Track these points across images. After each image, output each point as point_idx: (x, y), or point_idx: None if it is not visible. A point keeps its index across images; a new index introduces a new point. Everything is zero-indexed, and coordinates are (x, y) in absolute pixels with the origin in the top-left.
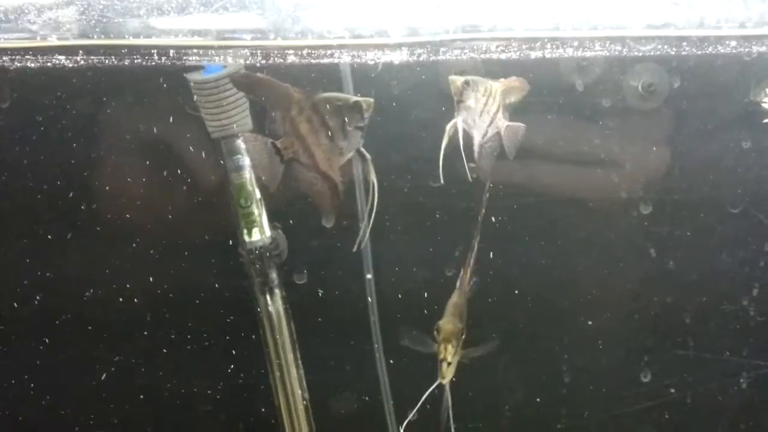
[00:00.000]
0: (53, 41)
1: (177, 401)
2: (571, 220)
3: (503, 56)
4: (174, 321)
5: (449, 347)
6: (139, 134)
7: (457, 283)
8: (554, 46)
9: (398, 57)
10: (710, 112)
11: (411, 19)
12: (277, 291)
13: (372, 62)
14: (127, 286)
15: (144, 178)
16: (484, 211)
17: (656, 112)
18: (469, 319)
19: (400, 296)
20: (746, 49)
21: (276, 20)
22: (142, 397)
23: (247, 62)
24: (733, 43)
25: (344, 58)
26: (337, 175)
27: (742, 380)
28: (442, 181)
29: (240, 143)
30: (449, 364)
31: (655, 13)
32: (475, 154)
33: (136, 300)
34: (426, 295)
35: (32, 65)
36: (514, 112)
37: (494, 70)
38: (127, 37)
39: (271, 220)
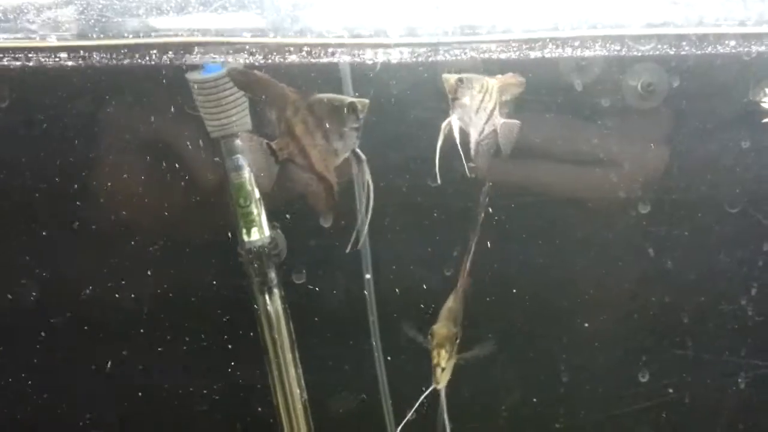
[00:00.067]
0: (52, 41)
1: (175, 401)
2: (569, 220)
3: (503, 56)
4: (172, 320)
5: (443, 352)
6: (138, 134)
7: (458, 286)
8: (555, 45)
9: (397, 56)
10: (709, 111)
11: (410, 19)
12: (275, 290)
13: (370, 62)
14: (126, 285)
15: (143, 177)
16: (482, 214)
17: (655, 112)
18: (466, 320)
19: (398, 296)
20: (745, 49)
21: (275, 20)
22: (139, 396)
23: (247, 61)
24: (733, 43)
25: (343, 58)
26: (332, 176)
27: (740, 380)
28: (439, 182)
29: (239, 143)
30: (443, 369)
31: (654, 12)
32: (472, 152)
33: (134, 299)
34: (425, 295)
35: (31, 65)
36: (514, 111)
37: (493, 69)
38: (126, 36)
39: (270, 219)
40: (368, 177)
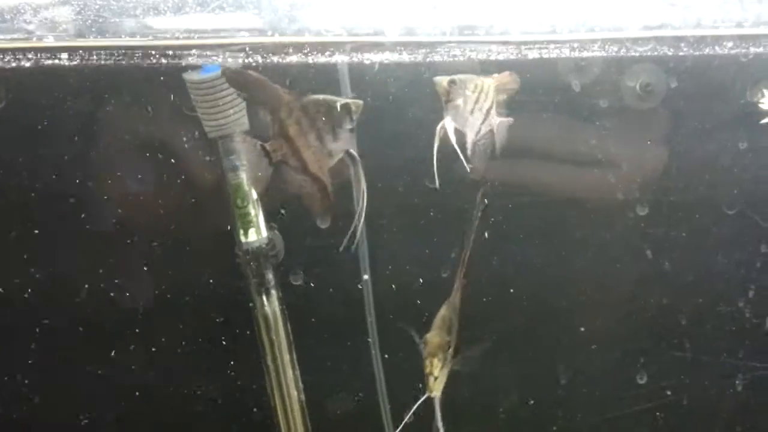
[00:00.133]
0: (49, 41)
1: (172, 402)
2: (567, 221)
3: (501, 57)
4: (170, 321)
5: (435, 361)
6: (136, 134)
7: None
8: (554, 47)
9: (395, 56)
10: (707, 112)
11: (408, 19)
12: (273, 292)
13: (368, 62)
14: (122, 286)
15: (140, 178)
16: (479, 217)
17: (653, 113)
18: (463, 321)
19: (396, 297)
20: (743, 50)
21: (272, 20)
22: (136, 397)
23: (245, 62)
24: (730, 44)
25: (341, 58)
26: (326, 177)
27: (738, 382)
28: (437, 185)
29: (236, 143)
30: (436, 378)
31: (652, 14)
32: (468, 152)
33: (131, 300)
34: (423, 296)
35: (28, 65)
36: (512, 112)
37: (492, 70)
38: (123, 37)
39: (267, 220)
40: (363, 178)
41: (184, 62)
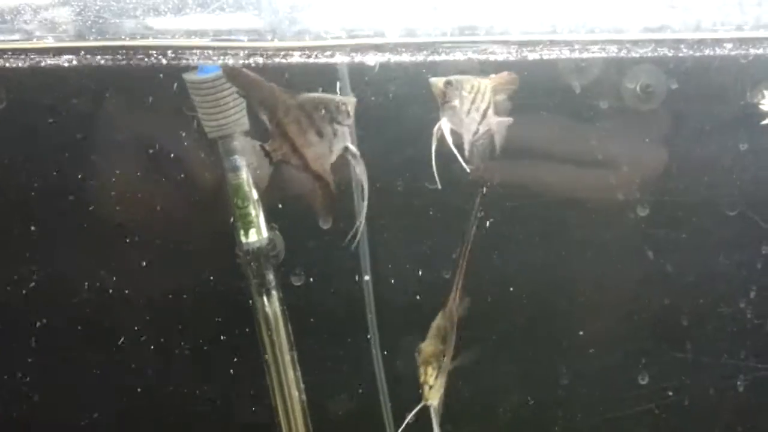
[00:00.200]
0: (49, 42)
1: (172, 402)
2: (568, 222)
3: (500, 57)
4: (170, 321)
5: (429, 369)
6: (136, 135)
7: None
8: (553, 48)
9: (396, 57)
10: (707, 114)
11: (408, 20)
12: (274, 292)
13: (370, 63)
14: (123, 286)
15: (140, 178)
16: (476, 219)
17: (653, 114)
18: (461, 329)
19: (397, 297)
20: (743, 52)
21: (273, 21)
22: (136, 398)
23: (245, 63)
24: (730, 46)
25: (342, 59)
26: (329, 175)
27: (739, 383)
28: (438, 186)
29: (237, 143)
30: (431, 387)
31: (651, 16)
32: (466, 153)
33: (131, 300)
34: (424, 297)
35: (28, 66)
36: (512, 112)
37: (491, 70)
38: (123, 37)
39: (268, 220)
40: (364, 174)
41: (183, 62)
